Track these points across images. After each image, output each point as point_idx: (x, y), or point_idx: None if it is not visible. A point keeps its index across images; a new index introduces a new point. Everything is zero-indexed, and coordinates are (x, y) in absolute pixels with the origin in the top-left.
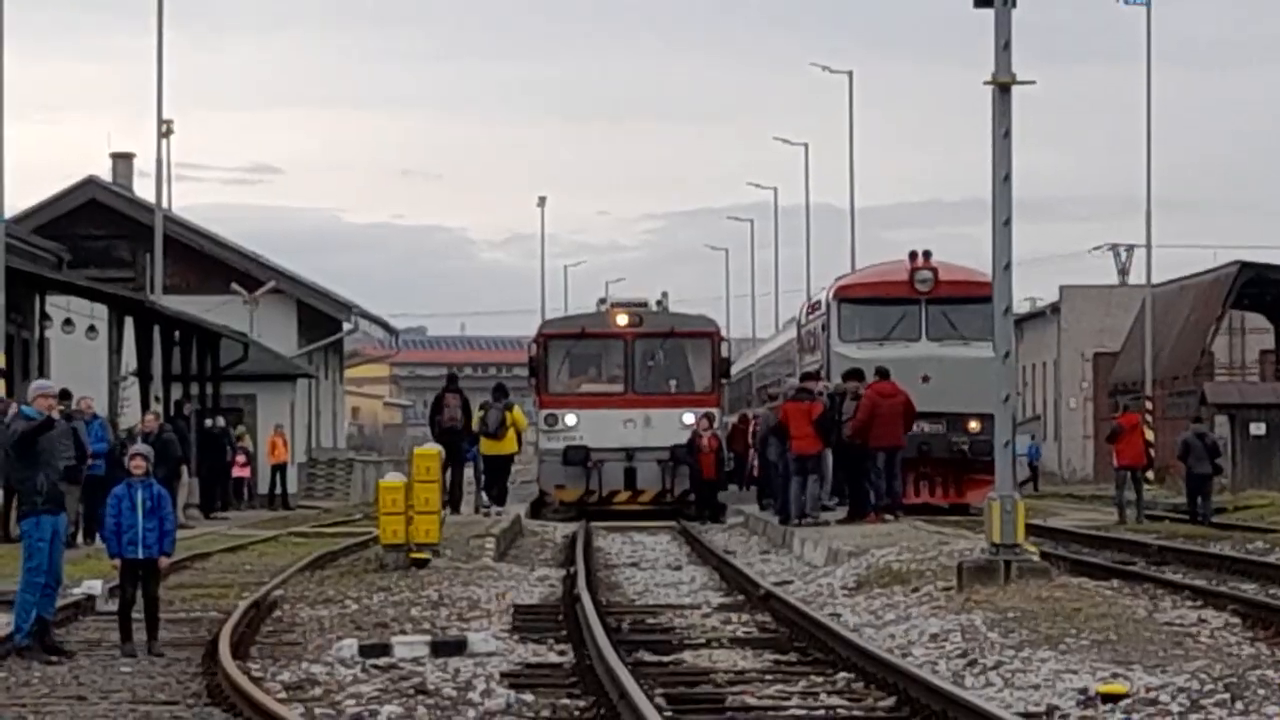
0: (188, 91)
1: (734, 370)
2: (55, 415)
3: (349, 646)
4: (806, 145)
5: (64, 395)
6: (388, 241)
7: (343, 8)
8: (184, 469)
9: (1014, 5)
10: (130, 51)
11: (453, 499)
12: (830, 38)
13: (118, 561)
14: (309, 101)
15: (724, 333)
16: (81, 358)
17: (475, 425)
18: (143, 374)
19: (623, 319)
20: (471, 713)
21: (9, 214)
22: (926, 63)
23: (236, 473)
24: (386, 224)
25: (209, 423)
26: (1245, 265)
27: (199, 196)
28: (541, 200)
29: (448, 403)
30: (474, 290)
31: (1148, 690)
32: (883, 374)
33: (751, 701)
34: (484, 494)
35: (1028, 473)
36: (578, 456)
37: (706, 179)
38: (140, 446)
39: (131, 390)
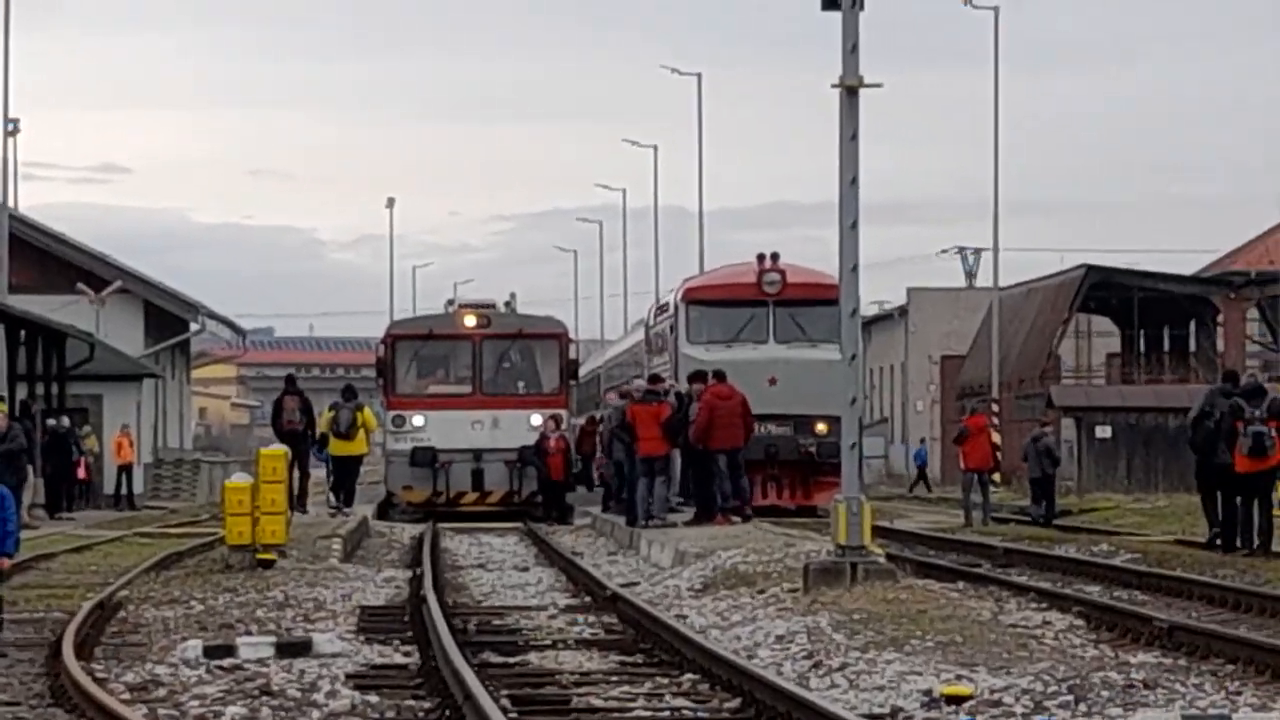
0: (37, 90)
1: (582, 372)
2: None
3: (194, 647)
4: (655, 147)
5: None
6: (237, 242)
7: (195, 7)
8: (29, 469)
9: (861, 8)
10: None
11: (300, 500)
12: (680, 39)
13: None
14: (159, 101)
15: (572, 334)
16: None
17: (325, 426)
18: None
19: (470, 320)
20: (316, 714)
21: None
22: (778, 65)
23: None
24: (236, 224)
25: (52, 422)
26: (1092, 269)
27: (48, 196)
28: (390, 201)
29: (286, 405)
30: (323, 291)
31: (992, 692)
32: (720, 376)
33: (597, 703)
34: (332, 494)
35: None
36: (425, 458)
37: (557, 180)
38: None
39: None
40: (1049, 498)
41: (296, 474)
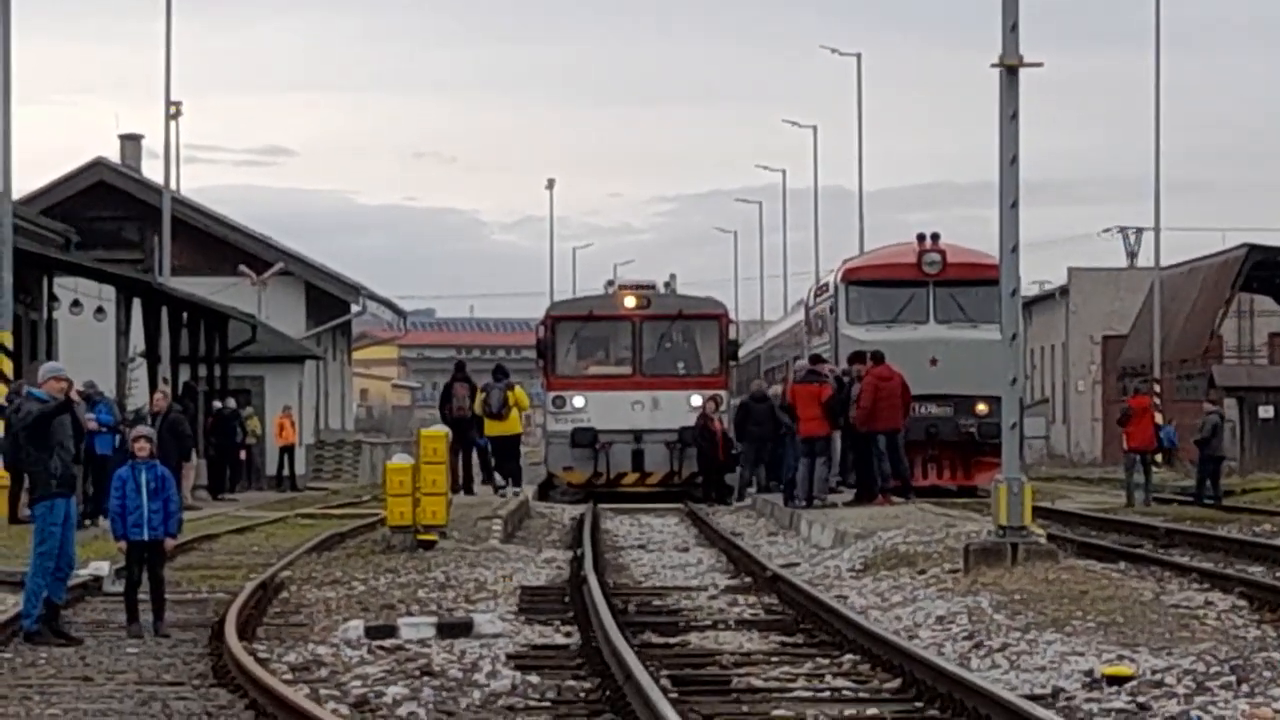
0: (202, 74)
1: (742, 353)
2: (74, 397)
3: (355, 628)
4: (815, 128)
5: None
6: (399, 223)
7: None
8: (192, 450)
9: None
10: (145, 35)
11: (465, 483)
12: (840, 19)
13: (123, 543)
14: (323, 84)
15: (732, 315)
16: (89, 339)
17: (478, 407)
18: (151, 356)
19: (630, 301)
20: (477, 694)
21: (17, 195)
22: (938, 44)
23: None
24: (399, 206)
25: (218, 404)
26: (1254, 248)
27: (213, 178)
28: (550, 183)
29: (456, 392)
30: (484, 272)
31: (1153, 672)
32: (878, 358)
33: (758, 683)
34: (496, 474)
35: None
36: (585, 438)
37: (718, 161)
38: (143, 429)
39: (139, 372)
40: (1215, 478)
41: (460, 459)
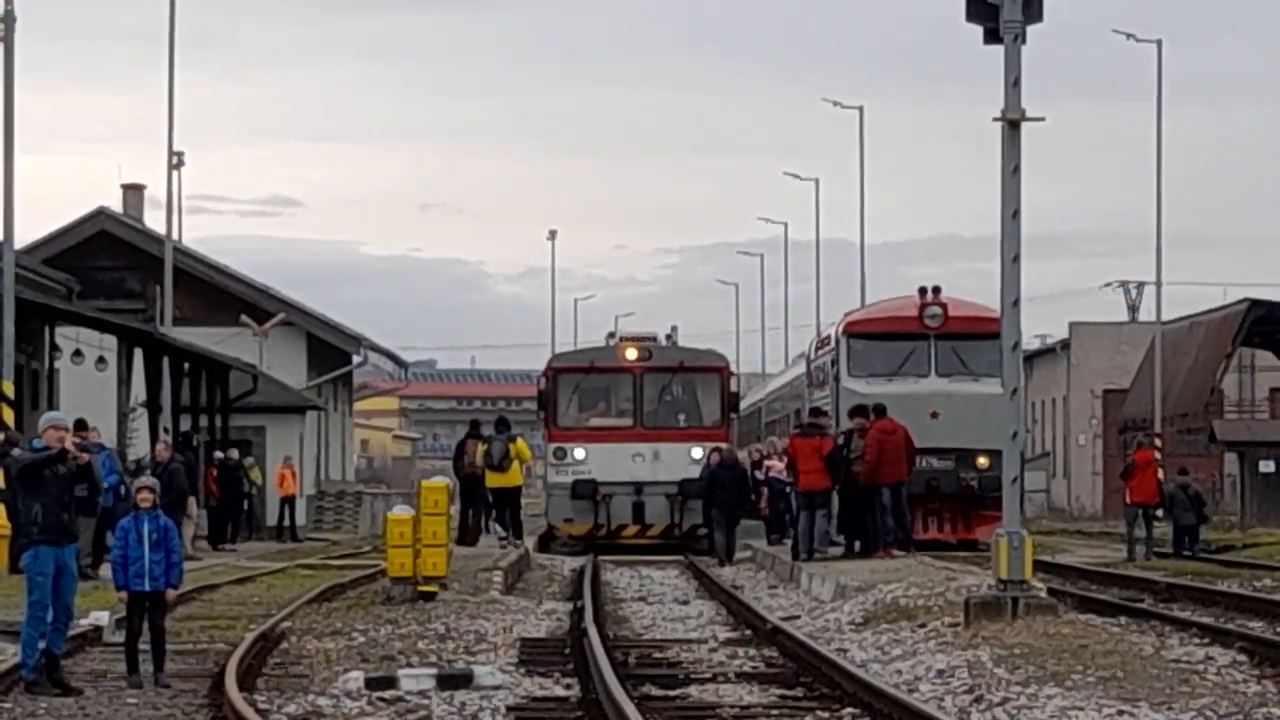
0: (210, 125)
1: (743, 405)
2: (69, 447)
3: (355, 679)
4: (816, 181)
5: (80, 425)
6: (405, 274)
7: (362, 42)
8: (191, 501)
9: (1024, 42)
10: (150, 85)
11: (472, 536)
12: (841, 73)
13: (124, 593)
14: (330, 136)
15: (733, 367)
16: (91, 389)
17: (479, 459)
18: (152, 405)
19: (632, 353)
20: None
21: (20, 245)
22: (940, 98)
23: None
24: (404, 256)
25: (220, 455)
26: (1255, 303)
27: (218, 228)
28: (552, 234)
29: (469, 449)
30: (487, 323)
31: None
32: (880, 411)
33: None
34: (496, 525)
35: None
36: (586, 490)
37: (722, 214)
38: (146, 479)
39: (140, 421)
40: (1194, 539)
41: (470, 514)
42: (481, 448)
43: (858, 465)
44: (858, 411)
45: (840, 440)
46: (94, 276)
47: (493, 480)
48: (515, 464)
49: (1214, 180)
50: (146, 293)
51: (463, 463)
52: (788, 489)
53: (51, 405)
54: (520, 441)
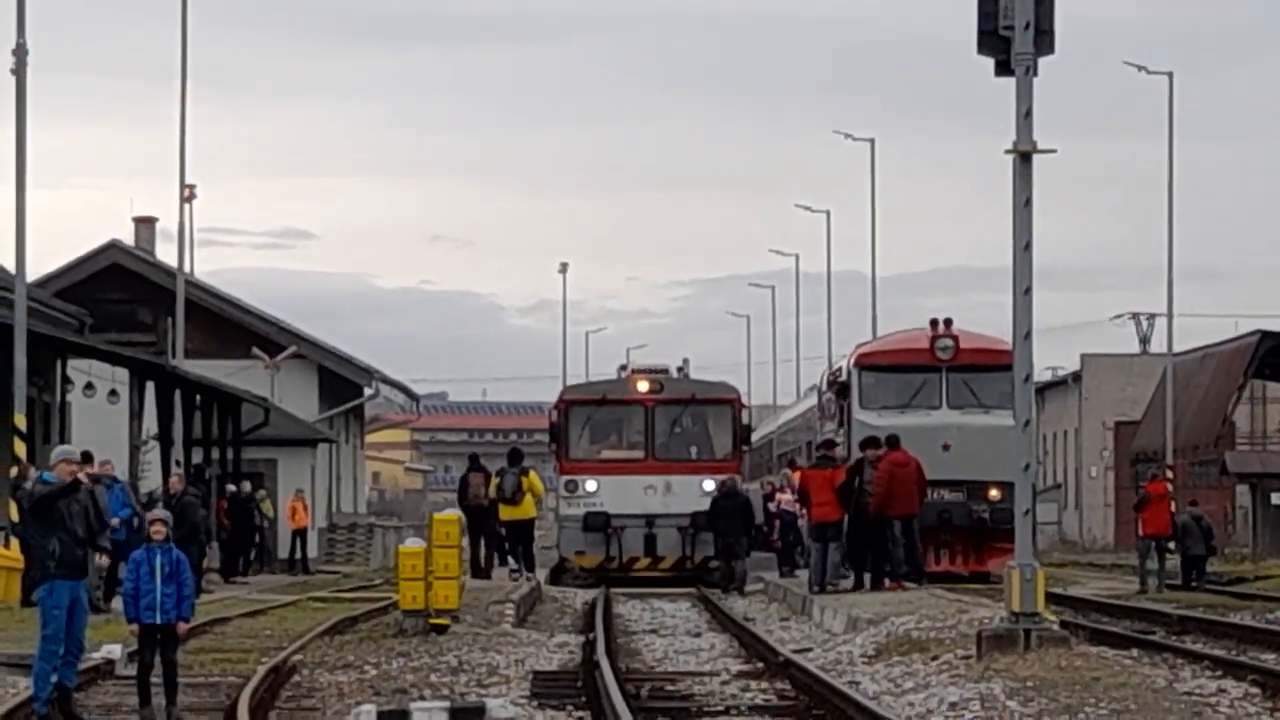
0: (221, 157)
1: (755, 437)
2: (83, 479)
3: (368, 712)
4: (828, 213)
5: (85, 458)
6: (417, 306)
7: (375, 75)
8: (202, 534)
9: (1035, 74)
10: (163, 119)
11: (486, 568)
12: (853, 105)
13: (136, 626)
14: (342, 168)
15: (745, 399)
16: (103, 422)
17: (492, 492)
18: (164, 438)
19: (643, 385)
20: None
21: (32, 278)
22: (952, 130)
23: None
24: (417, 289)
25: (232, 488)
26: (1266, 334)
27: (230, 261)
28: (563, 266)
29: (471, 481)
30: (499, 356)
31: None
32: (892, 443)
33: None
34: (510, 558)
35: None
36: (598, 523)
37: (734, 246)
38: (159, 511)
39: (152, 454)
40: (1201, 570)
41: (482, 544)
42: (494, 480)
43: (868, 497)
44: (870, 443)
45: (852, 469)
46: (106, 309)
47: (506, 513)
48: (528, 497)
49: (1226, 212)
50: (158, 325)
51: (468, 496)
52: (799, 520)
53: (63, 438)
54: (533, 474)
